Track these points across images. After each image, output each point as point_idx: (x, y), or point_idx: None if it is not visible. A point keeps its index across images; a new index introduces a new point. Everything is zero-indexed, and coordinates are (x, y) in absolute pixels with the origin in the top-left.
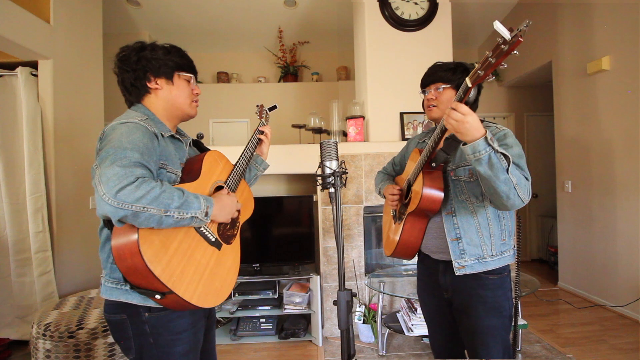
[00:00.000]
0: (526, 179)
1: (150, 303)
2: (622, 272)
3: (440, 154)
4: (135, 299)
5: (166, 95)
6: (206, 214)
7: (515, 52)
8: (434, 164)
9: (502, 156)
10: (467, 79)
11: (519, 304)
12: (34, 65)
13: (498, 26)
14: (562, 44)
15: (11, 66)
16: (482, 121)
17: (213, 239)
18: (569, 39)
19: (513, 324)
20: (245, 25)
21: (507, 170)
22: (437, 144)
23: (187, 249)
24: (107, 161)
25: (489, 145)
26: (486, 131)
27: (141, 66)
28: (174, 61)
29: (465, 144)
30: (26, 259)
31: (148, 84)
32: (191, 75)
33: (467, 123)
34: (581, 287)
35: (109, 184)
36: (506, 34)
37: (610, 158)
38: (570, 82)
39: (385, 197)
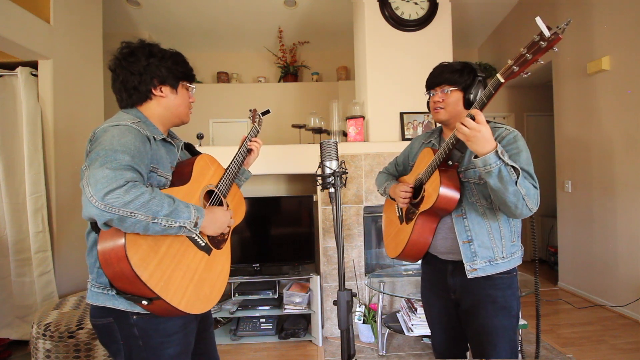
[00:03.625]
0: (535, 187)
1: (138, 308)
2: (622, 272)
3: (455, 152)
4: (122, 304)
5: (169, 104)
6: (195, 225)
7: (554, 48)
8: (450, 162)
9: (511, 169)
10: (499, 75)
11: (539, 304)
12: (34, 65)
13: (539, 22)
14: (562, 44)
15: (11, 66)
16: (489, 122)
17: (203, 244)
18: (569, 39)
19: (536, 325)
20: (245, 25)
21: (517, 182)
22: (458, 140)
23: (175, 253)
24: (96, 163)
25: (500, 158)
26: (497, 144)
27: (149, 71)
28: (181, 71)
29: (477, 156)
30: (26, 259)
31: (153, 90)
32: (193, 86)
33: (480, 133)
34: (581, 287)
35: (97, 186)
36: (545, 30)
37: (610, 158)
38: (570, 82)
39: (390, 196)
